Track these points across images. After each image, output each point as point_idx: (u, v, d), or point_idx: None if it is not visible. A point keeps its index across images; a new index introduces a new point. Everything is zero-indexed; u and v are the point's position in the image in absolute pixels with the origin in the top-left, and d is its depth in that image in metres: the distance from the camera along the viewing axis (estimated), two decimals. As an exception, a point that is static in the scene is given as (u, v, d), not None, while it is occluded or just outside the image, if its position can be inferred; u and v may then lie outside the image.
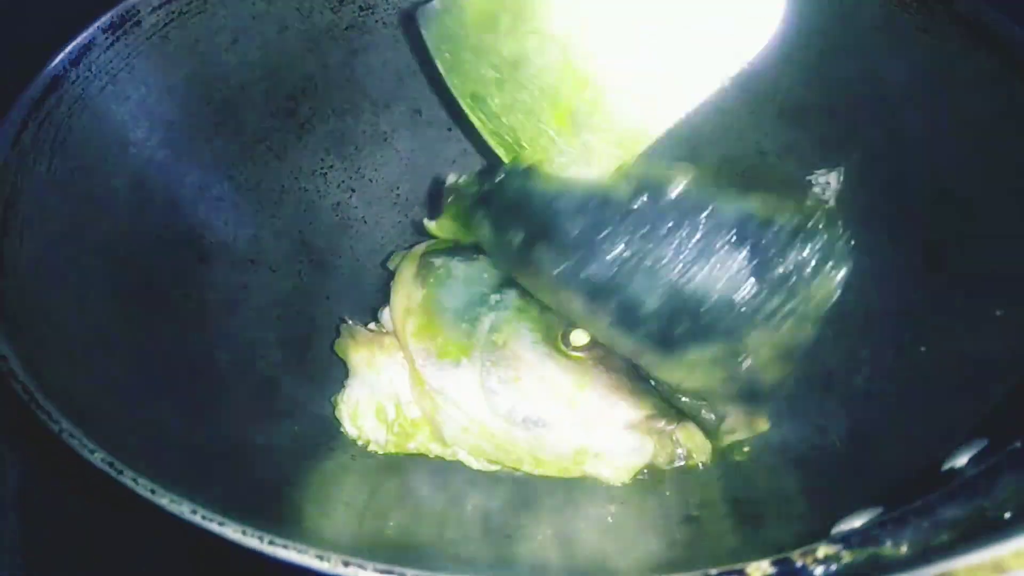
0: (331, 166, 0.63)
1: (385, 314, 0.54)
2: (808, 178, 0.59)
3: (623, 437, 0.49)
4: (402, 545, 0.45)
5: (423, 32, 0.54)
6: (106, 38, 0.53)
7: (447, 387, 0.50)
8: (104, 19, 0.53)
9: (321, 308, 0.59)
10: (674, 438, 0.49)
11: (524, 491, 0.50)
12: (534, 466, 0.50)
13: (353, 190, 0.64)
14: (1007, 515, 0.34)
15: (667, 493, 0.49)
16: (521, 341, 0.51)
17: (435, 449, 0.51)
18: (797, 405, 0.51)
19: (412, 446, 0.52)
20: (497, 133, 0.54)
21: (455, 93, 0.54)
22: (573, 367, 0.50)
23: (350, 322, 0.54)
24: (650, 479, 0.49)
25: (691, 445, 0.49)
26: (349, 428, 0.52)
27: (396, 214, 0.64)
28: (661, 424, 0.49)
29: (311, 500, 0.49)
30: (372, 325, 0.55)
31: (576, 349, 0.50)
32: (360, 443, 0.52)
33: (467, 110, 0.54)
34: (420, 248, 0.56)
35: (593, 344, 0.50)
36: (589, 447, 0.49)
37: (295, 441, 0.52)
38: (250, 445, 0.50)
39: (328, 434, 0.54)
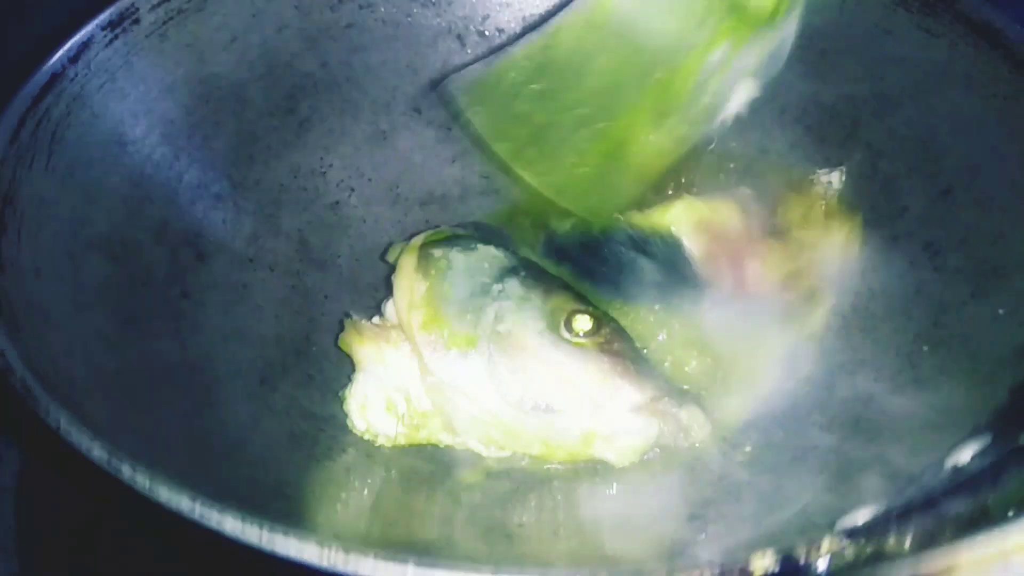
0: (330, 165, 0.63)
1: (389, 307, 0.54)
2: (810, 178, 0.60)
3: (628, 419, 0.49)
4: (406, 543, 0.45)
5: (458, 98, 0.55)
6: (105, 36, 0.53)
7: (456, 378, 0.50)
8: (103, 17, 0.53)
9: (320, 307, 0.59)
10: (677, 419, 0.49)
11: (529, 488, 0.50)
12: (544, 451, 0.50)
13: (352, 189, 0.63)
14: (1011, 512, 0.34)
15: (670, 492, 0.48)
16: (526, 330, 0.51)
17: (445, 439, 0.51)
18: (800, 403, 0.51)
19: (422, 436, 0.52)
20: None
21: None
22: (577, 353, 0.50)
23: (354, 317, 0.54)
24: (656, 475, 0.49)
25: (693, 425, 0.49)
26: (358, 422, 0.52)
27: (396, 213, 0.64)
28: (665, 405, 0.49)
29: (310, 500, 0.48)
30: (376, 319, 0.55)
31: (579, 335, 0.51)
32: (368, 437, 0.52)
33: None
34: (419, 239, 0.56)
35: (596, 329, 0.51)
36: (596, 430, 0.49)
37: (293, 441, 0.52)
38: (248, 445, 0.49)
39: (327, 433, 0.53)
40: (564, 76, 0.52)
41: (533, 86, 0.52)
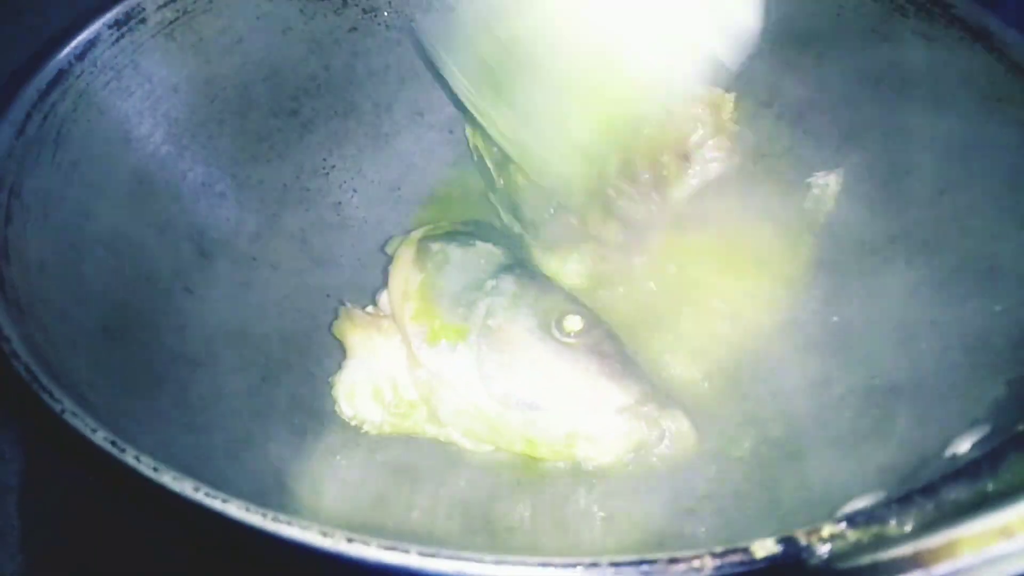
0: (333, 166, 0.64)
1: (383, 297, 0.55)
2: (808, 180, 0.60)
3: (613, 421, 0.49)
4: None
5: (423, 40, 0.56)
6: (111, 34, 0.54)
7: (444, 370, 0.50)
8: (110, 15, 0.54)
9: (321, 306, 0.59)
10: (660, 424, 0.49)
11: (516, 483, 0.50)
12: (527, 448, 0.50)
13: (355, 190, 0.64)
14: (1010, 495, 0.34)
15: (668, 487, 0.48)
16: (516, 326, 0.51)
17: (430, 430, 0.52)
18: (798, 400, 0.51)
19: (407, 426, 0.52)
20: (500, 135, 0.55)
21: (460, 97, 0.55)
22: (566, 352, 0.50)
23: (348, 305, 0.55)
24: (652, 472, 0.49)
25: (677, 430, 0.49)
26: (345, 408, 0.52)
27: (397, 214, 0.64)
28: (649, 409, 0.49)
29: (309, 494, 0.48)
30: (370, 308, 0.55)
31: (569, 335, 0.51)
32: (354, 424, 0.52)
33: (473, 113, 0.55)
34: (418, 233, 0.57)
35: (586, 331, 0.51)
36: (580, 430, 0.49)
37: (294, 437, 0.52)
38: (249, 441, 0.49)
39: (327, 430, 0.53)
40: (525, 24, 0.51)
41: (499, 32, 0.51)
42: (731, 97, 0.59)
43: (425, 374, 0.51)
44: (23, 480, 0.58)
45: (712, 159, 0.58)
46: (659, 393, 0.51)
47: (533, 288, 0.53)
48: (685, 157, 0.58)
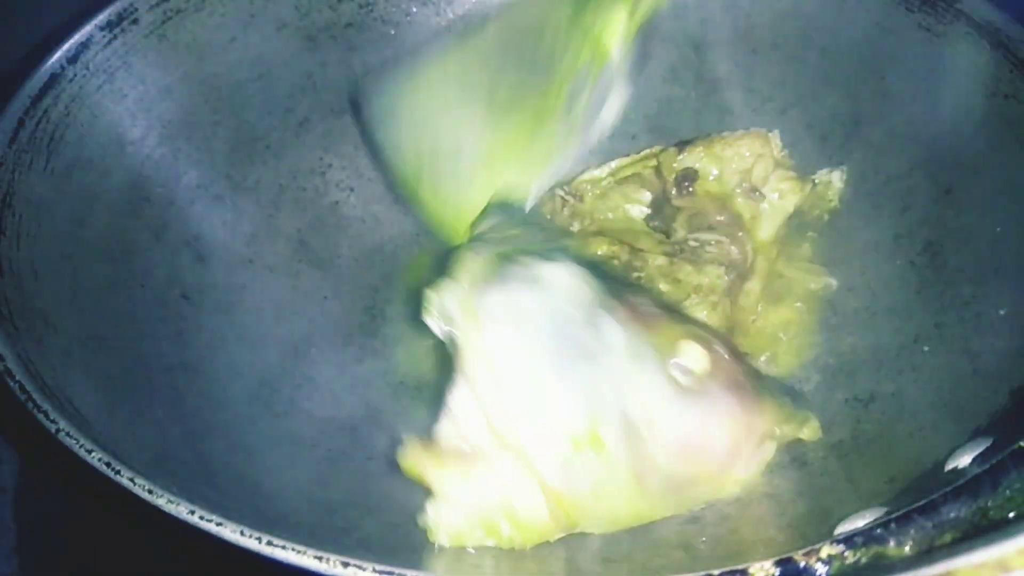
0: (330, 165, 0.63)
1: (443, 428, 0.44)
2: (812, 177, 0.60)
3: (758, 452, 0.46)
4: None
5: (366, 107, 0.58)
6: (104, 36, 0.53)
7: (588, 484, 0.43)
8: (101, 17, 0.53)
9: (319, 308, 0.59)
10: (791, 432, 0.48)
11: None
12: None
13: (352, 189, 0.63)
14: (1011, 515, 0.34)
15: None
16: (648, 395, 0.43)
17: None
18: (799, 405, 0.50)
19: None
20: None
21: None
22: (704, 402, 0.44)
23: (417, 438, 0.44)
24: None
25: (805, 431, 0.48)
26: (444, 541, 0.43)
27: (395, 214, 0.63)
28: (787, 428, 0.47)
29: (308, 501, 0.48)
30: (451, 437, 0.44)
31: (697, 372, 0.45)
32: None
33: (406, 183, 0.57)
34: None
35: (716, 364, 0.45)
36: (735, 473, 0.46)
37: (293, 443, 0.52)
38: (247, 447, 0.49)
39: (324, 436, 0.53)
40: (454, 94, 0.56)
41: (431, 103, 0.56)
42: (775, 134, 0.59)
43: (567, 496, 0.43)
44: (19, 480, 0.58)
45: (784, 191, 0.58)
46: (787, 401, 0.48)
47: (638, 324, 0.45)
48: (754, 192, 0.58)
